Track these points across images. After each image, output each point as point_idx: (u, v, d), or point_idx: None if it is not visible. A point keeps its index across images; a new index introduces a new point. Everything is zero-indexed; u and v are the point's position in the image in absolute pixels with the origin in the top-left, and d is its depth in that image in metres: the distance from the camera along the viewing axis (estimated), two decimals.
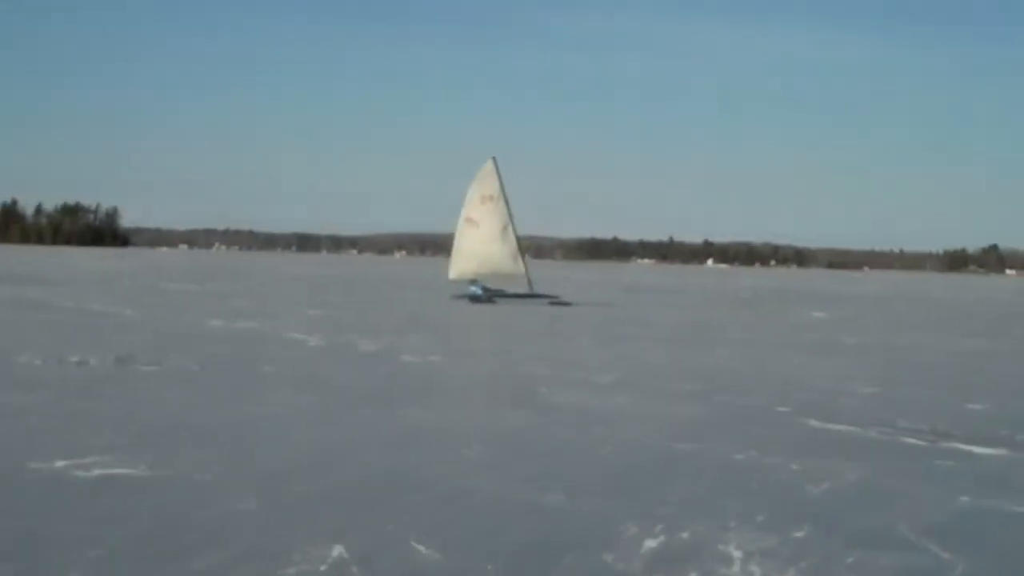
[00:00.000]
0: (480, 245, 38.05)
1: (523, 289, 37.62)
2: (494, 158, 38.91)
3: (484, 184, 38.52)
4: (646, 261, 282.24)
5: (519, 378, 15.12)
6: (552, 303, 36.82)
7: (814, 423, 11.56)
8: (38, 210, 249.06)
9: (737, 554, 6.42)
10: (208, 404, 11.76)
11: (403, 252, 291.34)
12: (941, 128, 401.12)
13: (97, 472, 8.08)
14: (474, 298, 36.74)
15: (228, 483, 7.85)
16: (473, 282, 37.34)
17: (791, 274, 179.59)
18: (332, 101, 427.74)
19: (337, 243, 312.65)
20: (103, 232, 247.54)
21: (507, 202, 38.40)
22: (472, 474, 8.39)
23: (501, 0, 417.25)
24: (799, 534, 6.89)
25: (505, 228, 38.14)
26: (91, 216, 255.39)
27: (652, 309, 39.45)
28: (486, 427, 10.87)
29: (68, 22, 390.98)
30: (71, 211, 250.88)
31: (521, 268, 38.16)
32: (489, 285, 37.27)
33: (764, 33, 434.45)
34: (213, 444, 9.37)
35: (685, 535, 6.78)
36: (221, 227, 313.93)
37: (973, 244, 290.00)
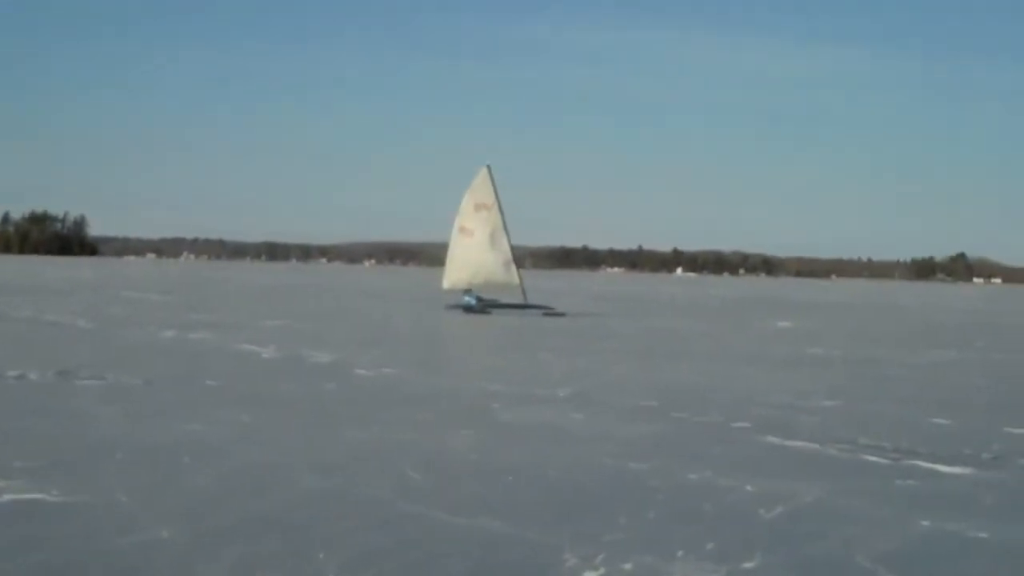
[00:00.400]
0: (474, 254, 37.36)
1: (517, 299, 36.98)
2: (488, 166, 38.34)
3: (478, 192, 37.88)
4: (615, 270, 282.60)
5: (473, 393, 14.67)
6: (546, 314, 36.12)
7: (773, 440, 11.17)
8: (5, 219, 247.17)
9: None
10: (143, 422, 11.25)
11: (372, 261, 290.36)
12: (910, 138, 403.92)
13: (8, 497, 7.58)
14: (468, 308, 36.13)
15: (146, 509, 7.37)
16: (467, 292, 36.69)
17: (759, 283, 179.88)
18: (301, 111, 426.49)
19: (307, 252, 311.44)
20: (71, 241, 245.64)
21: (502, 211, 37.78)
22: (408, 499, 7.93)
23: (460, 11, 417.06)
24: (750, 564, 6.50)
25: (496, 237, 37.49)
26: (59, 225, 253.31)
27: (617, 319, 39.04)
28: (429, 447, 10.39)
29: (37, 34, 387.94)
30: (39, 220, 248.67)
31: (515, 278, 37.52)
32: (483, 295, 36.66)
33: (735, 47, 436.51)
34: (138, 466, 8.87)
35: (628, 566, 6.37)
36: (190, 236, 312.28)
37: (941, 253, 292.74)
